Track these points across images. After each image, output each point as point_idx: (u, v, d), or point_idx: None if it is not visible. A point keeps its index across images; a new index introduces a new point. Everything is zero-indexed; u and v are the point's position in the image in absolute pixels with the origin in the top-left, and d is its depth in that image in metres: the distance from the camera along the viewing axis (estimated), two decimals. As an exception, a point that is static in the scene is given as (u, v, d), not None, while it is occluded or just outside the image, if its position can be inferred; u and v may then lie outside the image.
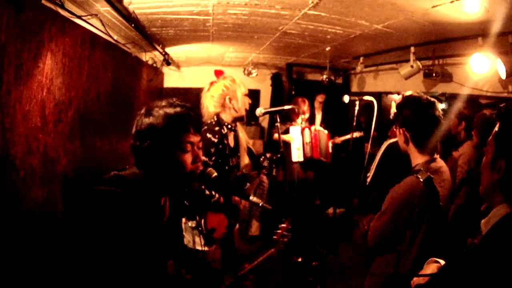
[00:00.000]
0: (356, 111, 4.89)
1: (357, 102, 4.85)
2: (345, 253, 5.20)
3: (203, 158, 1.95)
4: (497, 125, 1.33)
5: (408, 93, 5.89)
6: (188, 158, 1.67)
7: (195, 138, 1.70)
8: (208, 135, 3.01)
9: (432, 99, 2.36)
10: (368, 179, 3.94)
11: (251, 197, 1.86)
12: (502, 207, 1.27)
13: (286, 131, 5.73)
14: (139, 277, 1.63)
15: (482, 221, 1.34)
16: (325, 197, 6.79)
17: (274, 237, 2.76)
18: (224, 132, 3.14)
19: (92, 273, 1.51)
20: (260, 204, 1.84)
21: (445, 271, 1.55)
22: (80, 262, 1.55)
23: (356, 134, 5.50)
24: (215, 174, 1.86)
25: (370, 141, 4.76)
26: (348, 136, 5.68)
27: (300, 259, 4.95)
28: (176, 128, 1.63)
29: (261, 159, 3.48)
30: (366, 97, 4.65)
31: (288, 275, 4.57)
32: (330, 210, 6.55)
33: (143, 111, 1.67)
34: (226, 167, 3.17)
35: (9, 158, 2.18)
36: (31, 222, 2.41)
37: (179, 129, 1.64)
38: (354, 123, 5.02)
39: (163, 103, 1.67)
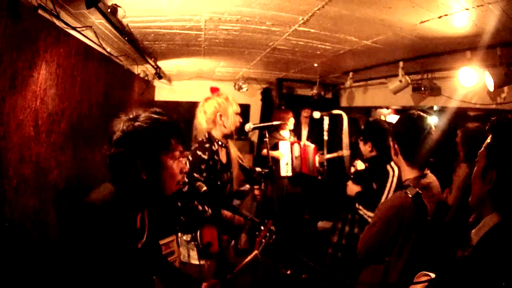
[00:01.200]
0: (326, 126, 4.96)
1: (325, 117, 4.93)
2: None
3: (195, 175, 1.98)
4: (489, 137, 1.36)
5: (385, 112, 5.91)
6: (177, 166, 1.66)
7: (181, 148, 1.69)
8: (198, 153, 3.07)
9: (422, 113, 2.41)
10: None
11: (239, 210, 1.88)
12: (493, 216, 1.30)
13: (275, 146, 5.75)
14: None
15: (473, 231, 1.37)
16: (314, 211, 6.80)
17: (257, 238, 2.78)
18: (215, 149, 3.19)
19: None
20: (248, 217, 1.87)
21: (437, 281, 1.57)
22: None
23: (344, 153, 5.55)
24: (204, 188, 1.88)
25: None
26: (334, 154, 5.72)
27: (289, 272, 4.96)
28: (166, 132, 1.62)
29: (254, 174, 3.52)
30: (335, 111, 4.72)
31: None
32: (319, 224, 6.59)
33: (126, 117, 1.63)
34: (218, 182, 3.20)
35: (2, 166, 2.18)
36: (23, 231, 2.39)
37: (169, 134, 1.63)
38: (326, 138, 5.07)
39: (147, 111, 1.66)
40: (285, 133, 6.07)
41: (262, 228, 2.93)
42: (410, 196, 2.19)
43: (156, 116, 1.64)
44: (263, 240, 2.61)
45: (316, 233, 6.44)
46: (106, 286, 1.52)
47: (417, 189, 2.21)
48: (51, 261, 2.50)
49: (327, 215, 6.45)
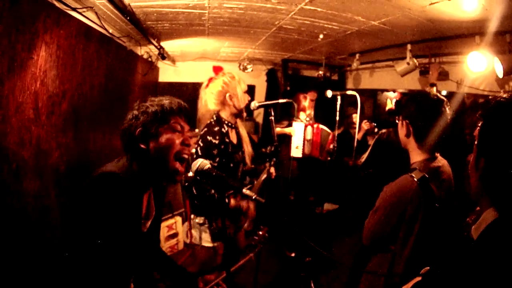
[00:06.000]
0: (338, 106, 4.89)
1: (338, 97, 4.85)
2: (338, 249, 5.22)
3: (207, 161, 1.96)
4: (480, 124, 1.30)
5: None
6: (177, 137, 1.79)
7: (184, 124, 1.85)
8: (209, 138, 2.96)
9: (439, 95, 2.34)
10: None
11: (244, 190, 1.83)
12: (490, 212, 1.24)
13: (289, 126, 5.68)
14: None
15: (473, 227, 1.30)
16: (319, 193, 6.78)
17: (253, 242, 2.82)
18: (224, 131, 3.08)
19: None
20: (253, 197, 1.81)
21: (432, 278, 1.51)
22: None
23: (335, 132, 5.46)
24: (208, 165, 1.86)
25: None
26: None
27: (293, 255, 4.97)
28: (165, 110, 1.79)
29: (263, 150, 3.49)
30: (349, 92, 4.65)
31: (282, 271, 4.57)
32: (325, 207, 6.57)
33: (138, 102, 1.84)
34: (231, 165, 3.13)
35: (1, 150, 2.16)
36: (23, 215, 2.38)
37: (168, 112, 1.80)
38: (337, 118, 5.01)
39: (159, 97, 1.85)
40: (303, 115, 5.98)
41: (260, 233, 2.94)
42: (415, 179, 2.12)
43: (161, 98, 1.84)
44: (259, 245, 2.64)
45: (321, 215, 6.43)
46: (110, 257, 1.62)
47: (424, 173, 2.15)
48: (52, 246, 2.49)
49: (333, 198, 6.43)
